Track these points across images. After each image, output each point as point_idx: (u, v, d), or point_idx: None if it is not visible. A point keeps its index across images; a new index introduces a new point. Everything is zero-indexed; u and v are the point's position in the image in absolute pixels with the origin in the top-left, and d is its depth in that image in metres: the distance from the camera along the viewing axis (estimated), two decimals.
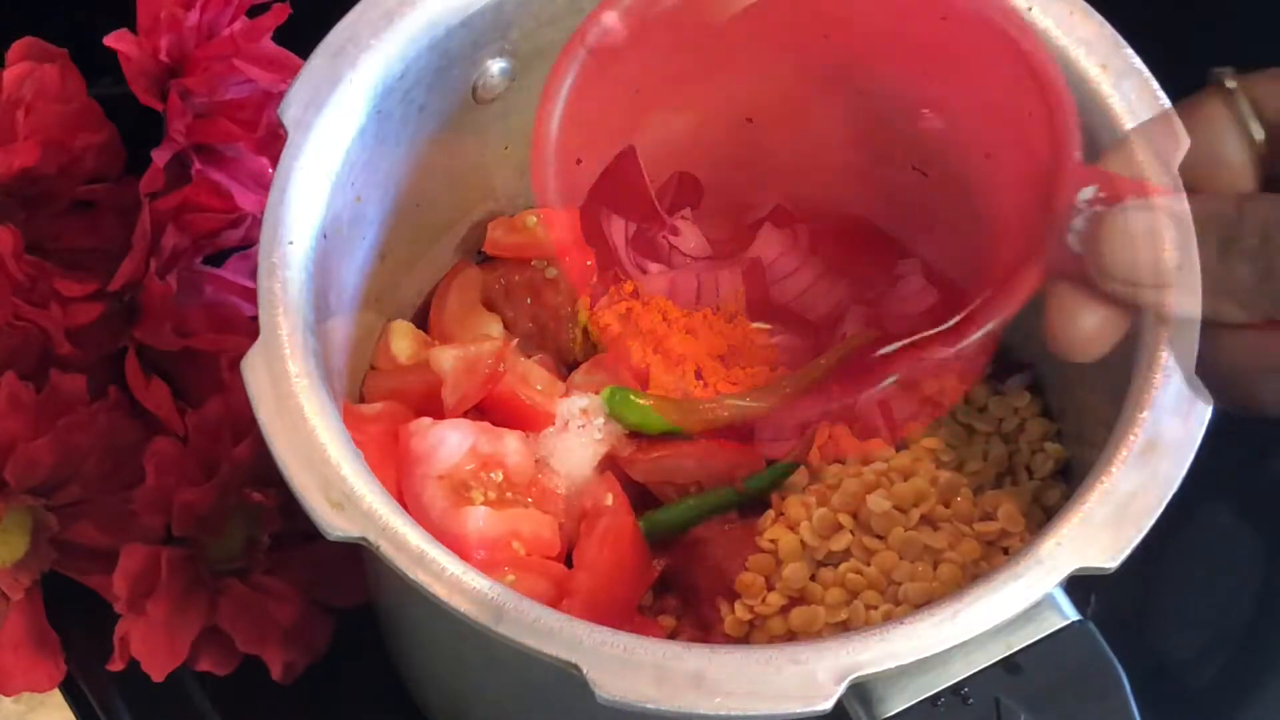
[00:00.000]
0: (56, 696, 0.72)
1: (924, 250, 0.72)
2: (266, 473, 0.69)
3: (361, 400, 0.70)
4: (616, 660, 0.53)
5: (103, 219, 0.74)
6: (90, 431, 0.69)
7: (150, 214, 0.71)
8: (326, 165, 0.63)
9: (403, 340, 0.71)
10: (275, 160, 0.63)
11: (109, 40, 0.70)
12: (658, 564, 0.68)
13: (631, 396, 0.69)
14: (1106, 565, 0.55)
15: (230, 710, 0.72)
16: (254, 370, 0.58)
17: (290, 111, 0.63)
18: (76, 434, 0.69)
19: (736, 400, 0.68)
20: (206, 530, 0.69)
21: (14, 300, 0.70)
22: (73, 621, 0.72)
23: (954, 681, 0.54)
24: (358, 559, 0.71)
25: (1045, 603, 0.55)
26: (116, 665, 0.69)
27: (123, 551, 0.68)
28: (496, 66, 0.69)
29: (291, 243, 0.61)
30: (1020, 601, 0.54)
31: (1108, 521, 0.55)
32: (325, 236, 0.63)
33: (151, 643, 0.68)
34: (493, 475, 0.66)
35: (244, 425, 0.69)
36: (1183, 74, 0.63)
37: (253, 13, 0.73)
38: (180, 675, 0.70)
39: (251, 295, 0.60)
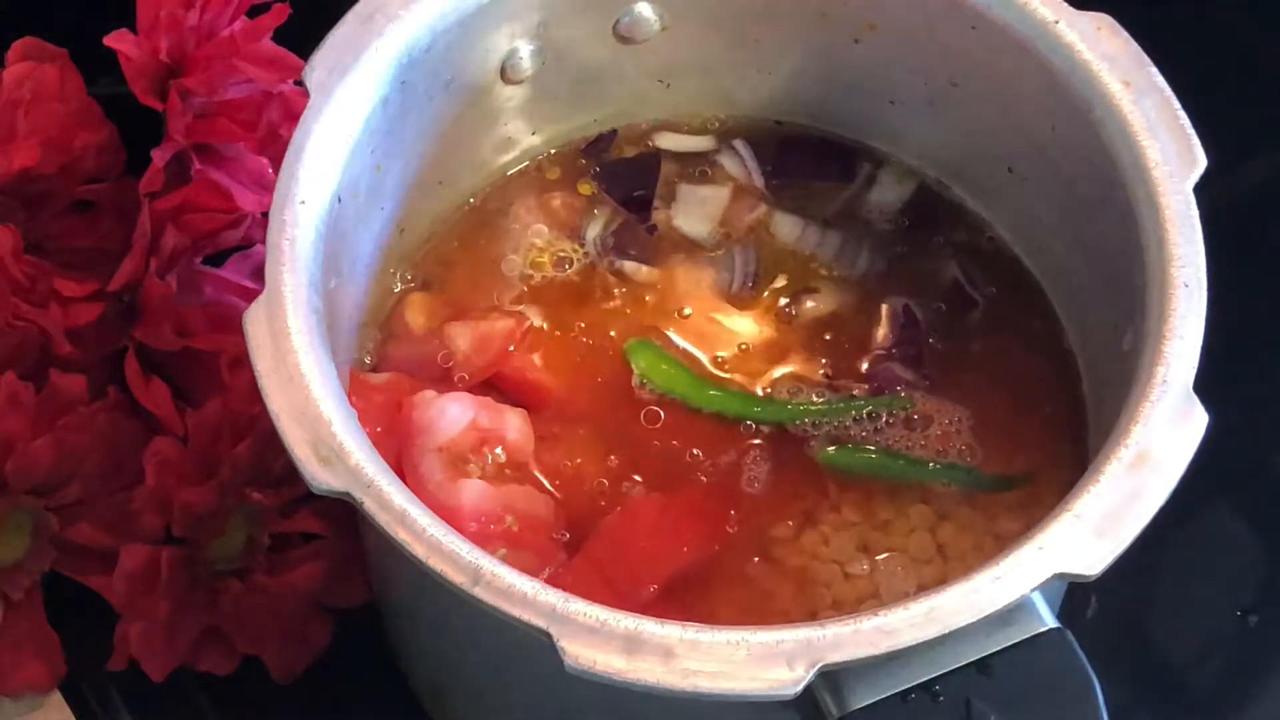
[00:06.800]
0: (56, 696, 0.72)
1: None
2: (266, 473, 0.69)
3: (375, 368, 0.70)
4: (587, 630, 0.53)
5: (103, 219, 0.74)
6: (90, 431, 0.69)
7: (150, 214, 0.70)
8: (346, 130, 0.63)
9: (417, 312, 0.71)
10: (275, 161, 0.63)
11: (109, 40, 0.70)
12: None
13: (655, 349, 0.69)
14: (1086, 573, 0.54)
15: (230, 710, 0.72)
16: (255, 323, 0.58)
17: (314, 74, 0.63)
18: (76, 434, 0.69)
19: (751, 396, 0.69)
20: (206, 530, 0.69)
21: (14, 300, 0.70)
22: (73, 621, 0.72)
23: (926, 678, 0.54)
24: (359, 559, 0.71)
25: (1025, 607, 0.54)
26: (116, 665, 0.69)
27: (123, 551, 0.68)
28: (527, 48, 0.69)
29: (304, 202, 0.61)
30: (995, 603, 0.54)
31: (1092, 530, 0.55)
32: (340, 201, 0.63)
33: (151, 643, 0.68)
34: (493, 452, 0.66)
35: (244, 425, 0.69)
36: (1205, 94, 0.64)
37: (253, 13, 0.73)
38: (180, 675, 0.69)
39: (251, 296, 0.60)
